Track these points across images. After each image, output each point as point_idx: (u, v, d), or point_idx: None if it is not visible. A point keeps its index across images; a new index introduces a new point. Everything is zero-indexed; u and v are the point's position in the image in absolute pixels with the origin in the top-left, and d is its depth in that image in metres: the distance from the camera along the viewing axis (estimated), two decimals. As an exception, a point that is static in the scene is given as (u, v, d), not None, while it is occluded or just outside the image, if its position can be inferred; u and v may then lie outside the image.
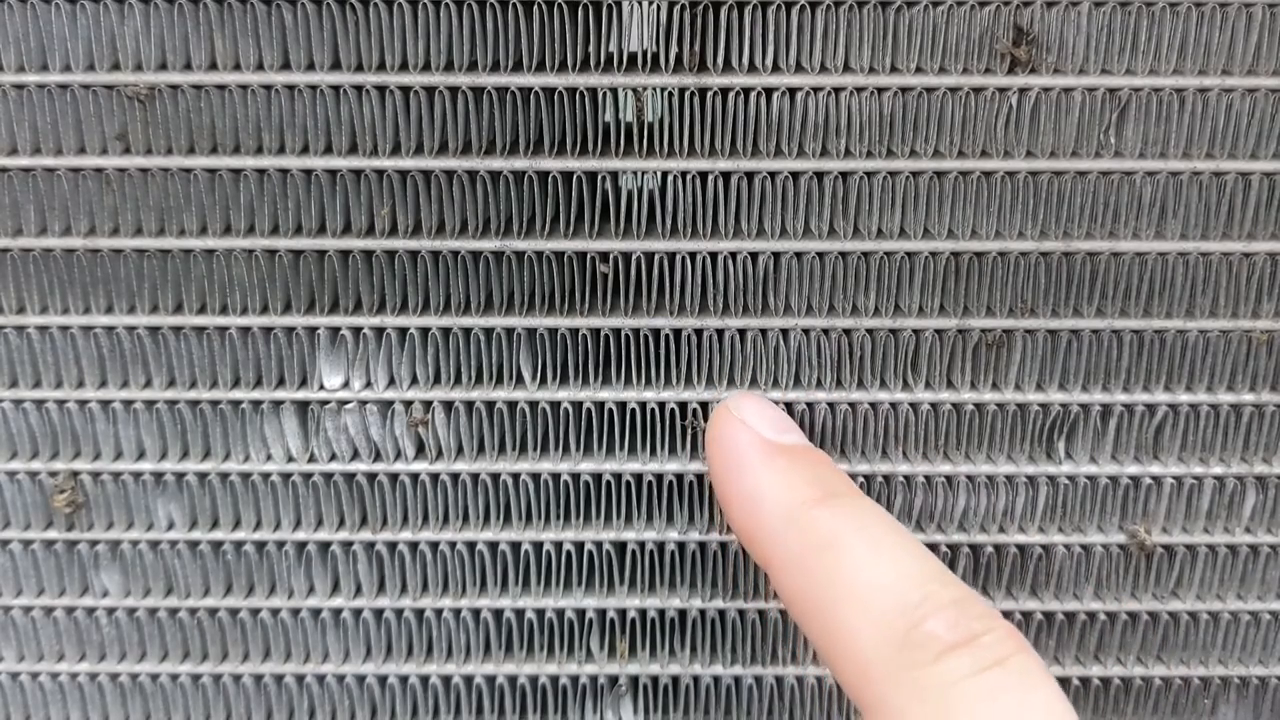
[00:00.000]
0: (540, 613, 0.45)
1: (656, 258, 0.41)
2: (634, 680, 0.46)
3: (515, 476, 0.43)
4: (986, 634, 0.32)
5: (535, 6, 0.38)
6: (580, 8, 0.38)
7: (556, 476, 0.43)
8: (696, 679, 0.46)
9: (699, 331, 0.42)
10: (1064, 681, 0.46)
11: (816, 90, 0.39)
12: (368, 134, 0.39)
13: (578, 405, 0.43)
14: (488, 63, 0.39)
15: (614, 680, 0.46)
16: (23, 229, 0.40)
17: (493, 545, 0.44)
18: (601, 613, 0.45)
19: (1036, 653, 0.32)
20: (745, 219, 0.41)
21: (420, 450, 0.43)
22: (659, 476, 0.43)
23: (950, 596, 0.33)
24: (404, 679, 0.46)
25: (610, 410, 0.43)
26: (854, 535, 0.35)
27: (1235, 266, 0.41)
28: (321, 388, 0.42)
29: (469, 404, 0.43)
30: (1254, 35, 0.38)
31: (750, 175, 0.40)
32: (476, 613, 0.45)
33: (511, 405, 0.43)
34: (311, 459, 0.43)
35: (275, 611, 0.45)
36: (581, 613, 0.45)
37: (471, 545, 0.44)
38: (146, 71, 0.39)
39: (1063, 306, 0.41)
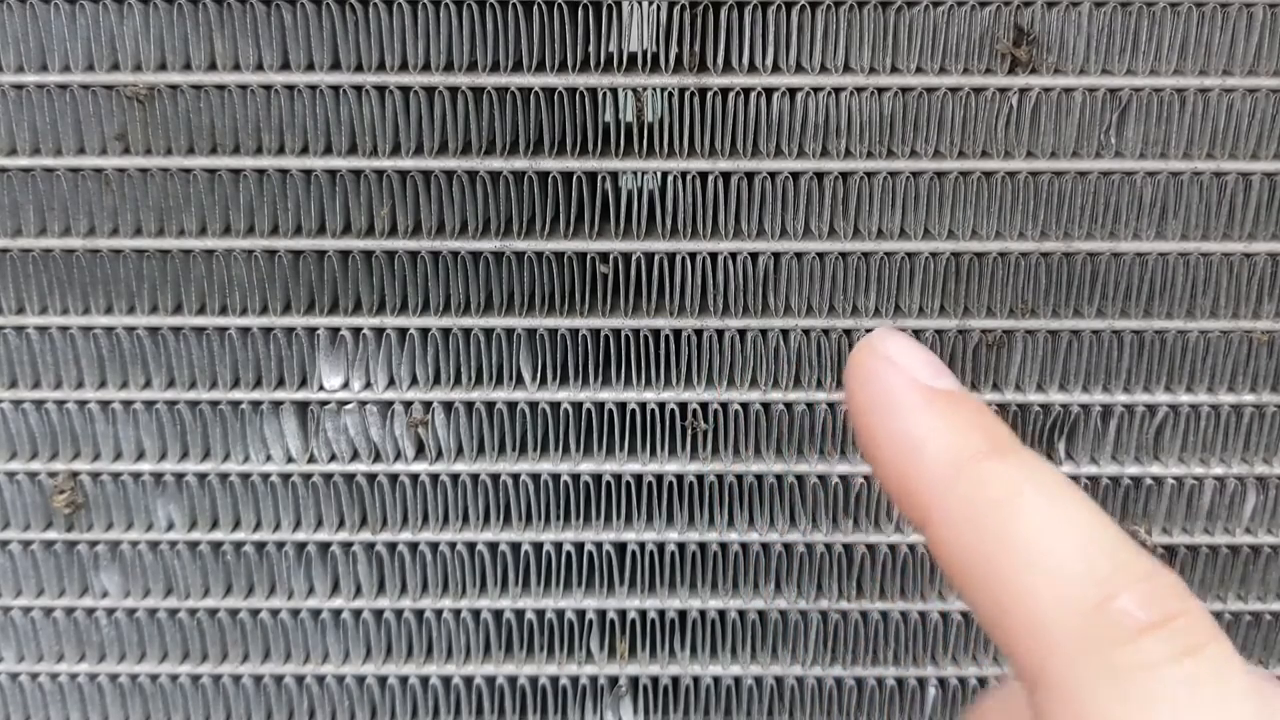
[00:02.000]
0: (540, 613, 0.45)
1: (656, 258, 0.41)
2: (634, 681, 0.46)
3: (515, 477, 0.43)
4: (1183, 616, 0.30)
5: (535, 6, 0.38)
6: (580, 8, 0.38)
7: (556, 477, 0.43)
8: (696, 679, 0.46)
9: (699, 332, 0.42)
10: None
11: (816, 90, 0.39)
12: (367, 134, 0.39)
13: (578, 406, 0.43)
14: (488, 63, 0.39)
15: (614, 681, 0.46)
16: (22, 229, 0.40)
17: (493, 546, 0.44)
18: (601, 613, 0.45)
19: (1229, 640, 0.31)
20: (745, 219, 0.41)
21: (420, 451, 0.43)
22: (659, 477, 0.43)
23: (1144, 569, 0.31)
24: (404, 679, 0.46)
25: (610, 411, 0.42)
26: (1035, 493, 0.33)
27: (1236, 267, 0.41)
28: (321, 388, 0.42)
29: (469, 404, 0.43)
30: (1255, 36, 0.38)
31: (750, 175, 0.40)
32: (476, 613, 0.45)
33: (511, 406, 0.43)
34: (311, 459, 0.43)
35: (275, 612, 0.45)
36: (581, 613, 0.45)
37: (471, 546, 0.44)
38: (146, 72, 0.38)
39: (1063, 307, 0.41)
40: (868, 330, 0.41)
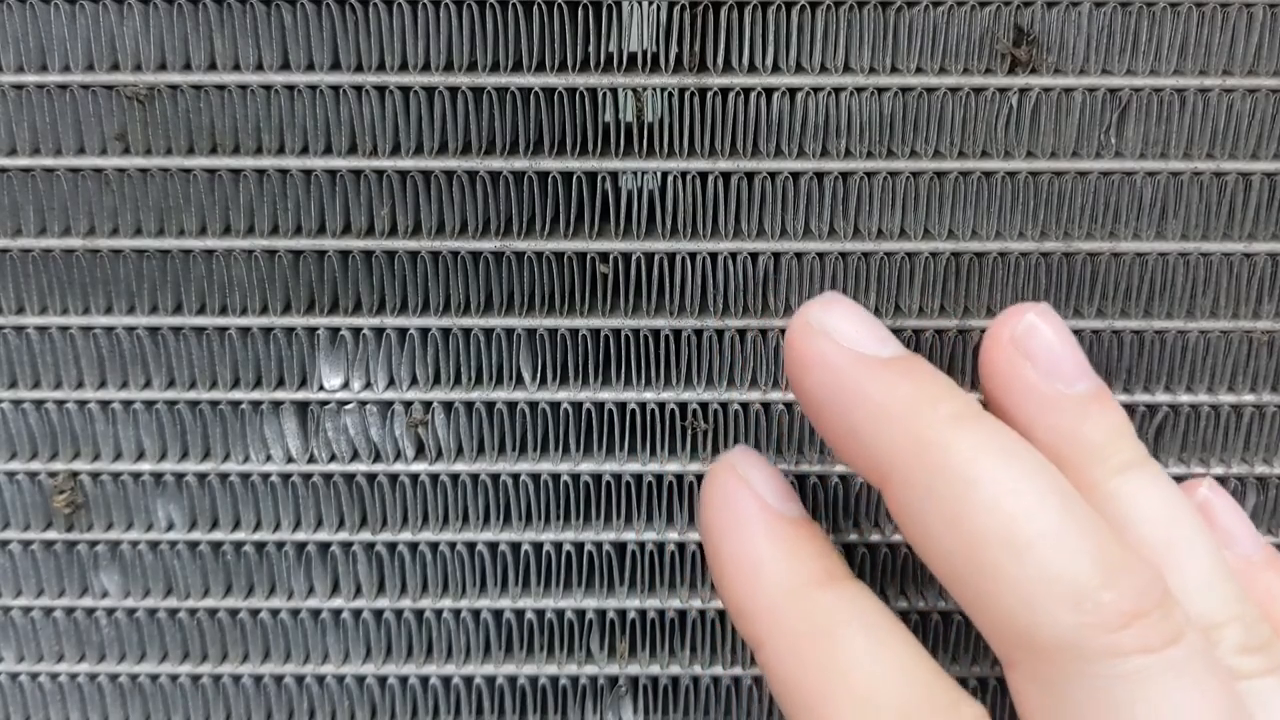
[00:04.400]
0: (540, 613, 0.45)
1: (656, 258, 0.41)
2: (634, 681, 0.46)
3: (515, 477, 0.43)
4: None
5: (535, 6, 0.38)
6: (580, 8, 0.38)
7: (556, 477, 0.43)
8: (696, 679, 0.46)
9: (699, 332, 0.42)
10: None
11: (816, 91, 0.39)
12: (367, 134, 0.39)
13: (578, 406, 0.43)
14: (488, 63, 0.39)
15: (614, 681, 0.46)
16: (22, 229, 0.40)
17: (493, 546, 0.44)
18: (601, 613, 0.45)
19: None
20: (745, 219, 0.41)
21: (420, 451, 0.43)
22: (659, 477, 0.43)
23: (950, 700, 0.31)
24: (404, 679, 0.46)
25: (610, 411, 0.43)
26: (858, 627, 0.32)
27: (1236, 267, 0.41)
28: (321, 388, 0.42)
29: (469, 404, 0.43)
30: (1255, 36, 0.38)
31: (750, 175, 0.40)
32: (476, 613, 0.45)
33: (511, 406, 0.43)
34: (311, 460, 0.43)
35: (275, 612, 0.45)
36: (581, 613, 0.45)
37: (471, 546, 0.44)
38: (146, 72, 0.38)
39: (1063, 307, 0.41)
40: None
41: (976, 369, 0.42)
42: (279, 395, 0.42)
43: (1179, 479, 0.43)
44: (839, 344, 0.33)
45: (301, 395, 0.42)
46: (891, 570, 0.44)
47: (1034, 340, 0.35)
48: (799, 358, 0.34)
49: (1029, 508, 0.30)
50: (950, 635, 0.45)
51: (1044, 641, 0.29)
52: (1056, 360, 0.35)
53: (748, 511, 0.35)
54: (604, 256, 0.41)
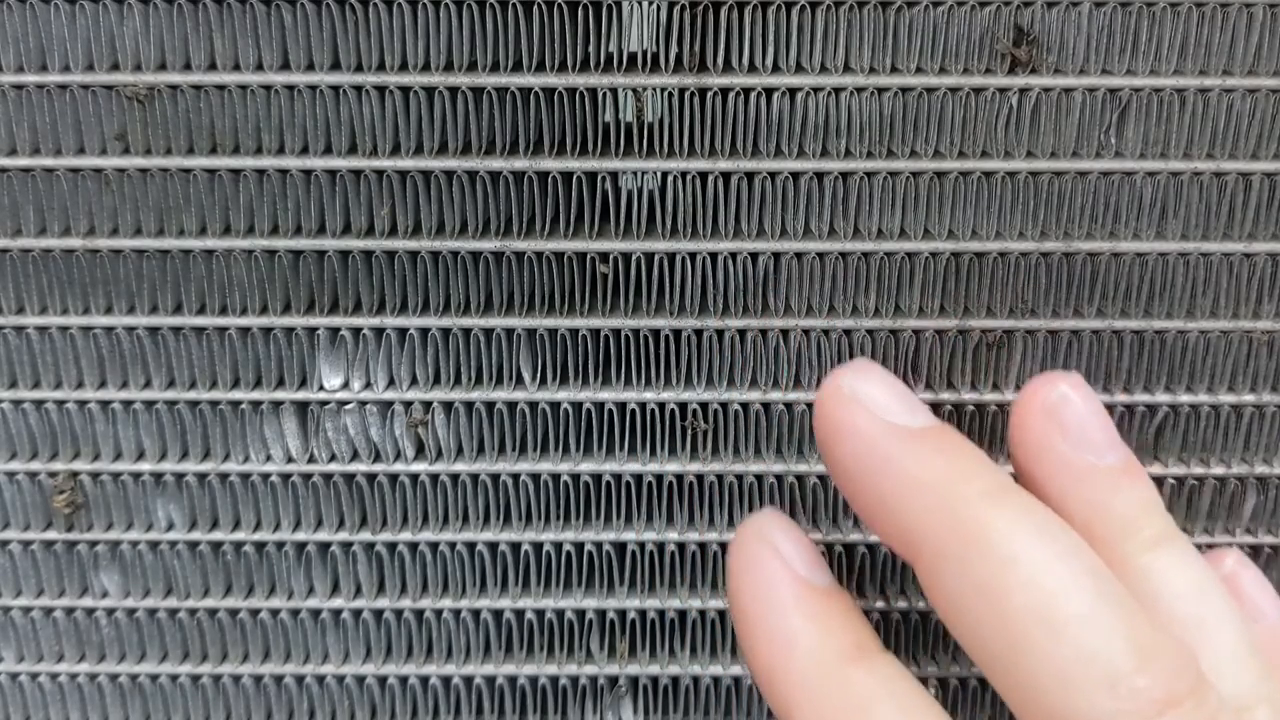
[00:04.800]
0: (540, 613, 0.45)
1: (656, 258, 0.41)
2: (634, 681, 0.46)
3: (515, 477, 0.43)
4: None
5: (535, 6, 0.38)
6: (580, 8, 0.38)
7: (556, 477, 0.43)
8: (696, 679, 0.46)
9: (699, 332, 0.42)
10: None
11: (816, 91, 0.39)
12: (367, 134, 0.39)
13: (578, 406, 0.43)
14: (488, 63, 0.39)
15: (614, 681, 0.46)
16: (22, 229, 0.40)
17: (493, 546, 0.44)
18: (601, 613, 0.45)
19: None
20: (745, 219, 0.41)
21: (420, 451, 0.43)
22: (659, 477, 0.43)
23: None
24: (404, 679, 0.46)
25: (610, 411, 0.42)
26: (889, 705, 0.32)
27: (1236, 267, 0.41)
28: (321, 388, 0.42)
29: (469, 404, 0.43)
30: (1255, 36, 0.38)
31: (750, 175, 0.40)
32: (476, 613, 0.45)
33: (511, 406, 0.43)
34: (311, 460, 0.43)
35: (275, 612, 0.45)
36: (581, 613, 0.45)
37: (471, 546, 0.44)
38: (146, 72, 0.38)
39: (1063, 307, 0.41)
40: (867, 331, 0.41)
41: (973, 372, 0.42)
42: (279, 395, 0.42)
43: (1180, 479, 0.43)
44: (871, 412, 0.33)
45: (301, 395, 0.42)
46: (892, 569, 0.44)
47: (1066, 411, 0.35)
48: (831, 425, 0.34)
49: (1066, 586, 0.30)
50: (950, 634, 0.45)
51: None
52: (1088, 432, 0.35)
53: (777, 582, 0.34)
54: (604, 256, 0.41)
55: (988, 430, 0.43)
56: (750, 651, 0.35)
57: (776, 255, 0.41)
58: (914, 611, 0.45)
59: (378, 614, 0.45)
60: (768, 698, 0.34)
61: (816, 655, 0.33)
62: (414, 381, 0.42)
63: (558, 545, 0.44)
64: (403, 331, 0.42)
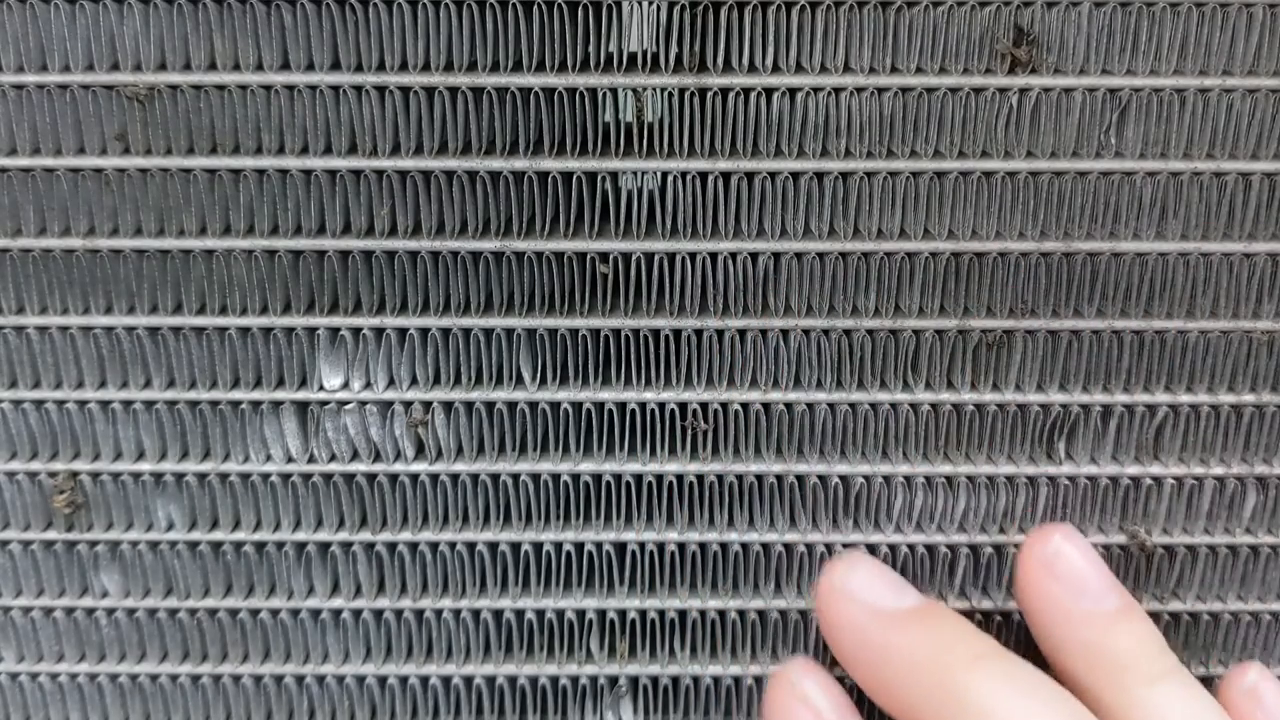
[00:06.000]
0: (540, 613, 0.45)
1: (656, 258, 0.41)
2: (634, 681, 0.46)
3: (515, 477, 0.43)
4: None
5: (535, 6, 0.38)
6: (580, 8, 0.38)
7: (556, 477, 0.43)
8: (696, 679, 0.46)
9: (699, 332, 0.42)
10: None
11: (816, 90, 0.39)
12: (367, 134, 0.39)
13: (578, 406, 0.43)
14: (488, 63, 0.39)
15: (614, 681, 0.46)
16: (22, 229, 0.40)
17: (493, 546, 0.44)
18: (601, 613, 0.45)
19: None
20: (745, 219, 0.41)
21: (420, 451, 0.43)
22: (659, 477, 0.43)
23: None
24: (404, 679, 0.46)
25: (610, 411, 0.43)
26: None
27: (1235, 267, 0.41)
28: (321, 388, 0.42)
29: (469, 404, 0.43)
30: (1255, 36, 0.38)
31: (750, 175, 0.40)
32: (476, 613, 0.45)
33: (511, 406, 0.43)
34: (311, 460, 0.43)
35: (275, 612, 0.45)
36: (581, 613, 0.45)
37: (471, 546, 0.44)
38: (146, 72, 0.39)
39: (1063, 307, 0.41)
40: (867, 331, 0.41)
41: (973, 371, 0.42)
42: (279, 395, 0.42)
43: (1179, 479, 0.43)
44: (863, 603, 0.37)
45: (301, 395, 0.42)
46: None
47: (1060, 564, 0.38)
48: (829, 621, 0.38)
49: None
50: None
51: None
52: (1083, 580, 0.38)
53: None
54: (604, 256, 0.41)
55: (988, 430, 0.43)
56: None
57: (776, 255, 0.41)
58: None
59: (378, 614, 0.45)
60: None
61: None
62: (414, 381, 0.42)
63: (558, 545, 0.44)
64: (403, 331, 0.42)
